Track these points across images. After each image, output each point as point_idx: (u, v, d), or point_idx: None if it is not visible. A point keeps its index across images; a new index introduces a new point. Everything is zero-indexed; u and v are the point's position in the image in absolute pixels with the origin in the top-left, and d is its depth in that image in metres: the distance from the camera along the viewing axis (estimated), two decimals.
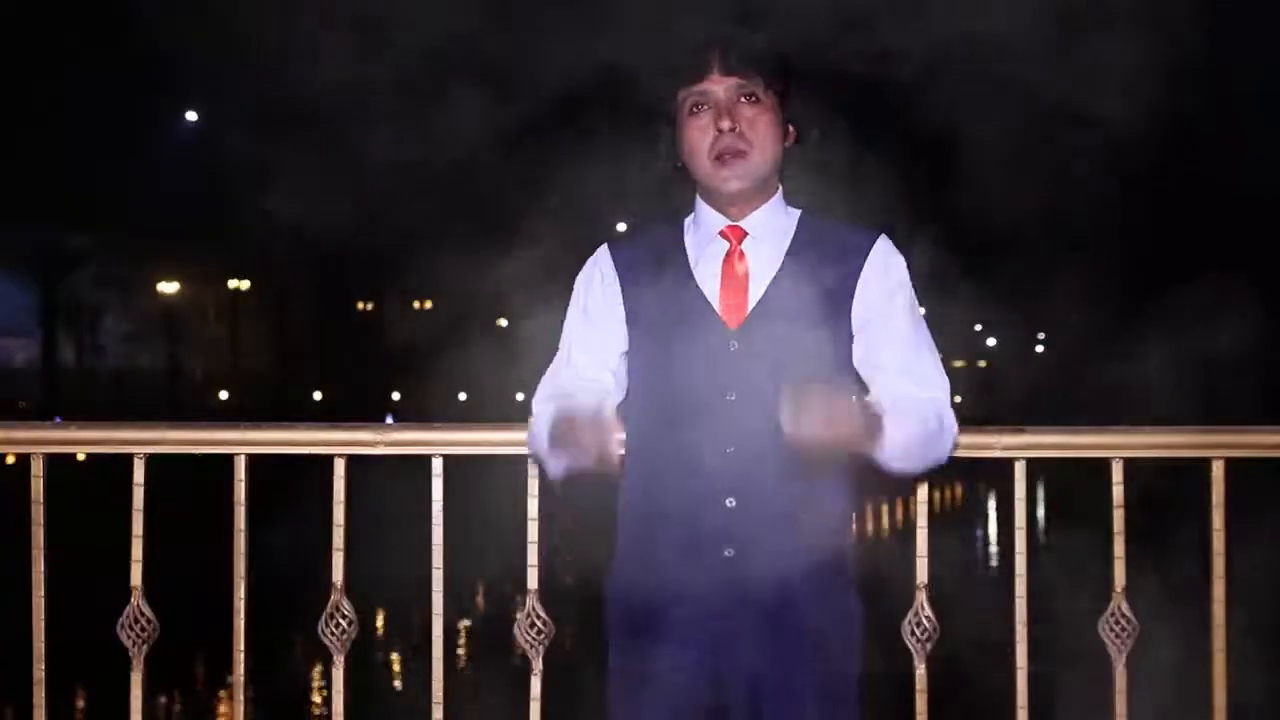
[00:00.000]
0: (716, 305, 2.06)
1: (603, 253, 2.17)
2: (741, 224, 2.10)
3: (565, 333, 2.21)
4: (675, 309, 2.07)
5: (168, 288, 36.35)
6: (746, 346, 2.03)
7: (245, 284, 38.05)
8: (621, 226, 2.33)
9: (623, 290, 2.13)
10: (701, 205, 2.13)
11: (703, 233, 2.12)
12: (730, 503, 2.01)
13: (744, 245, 2.09)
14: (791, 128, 2.12)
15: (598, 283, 2.15)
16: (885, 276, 2.08)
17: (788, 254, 2.08)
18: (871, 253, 2.08)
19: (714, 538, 2.01)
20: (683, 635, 2.03)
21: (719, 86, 2.05)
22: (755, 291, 2.06)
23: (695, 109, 2.06)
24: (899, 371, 2.06)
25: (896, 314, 2.07)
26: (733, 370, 2.03)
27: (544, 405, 2.15)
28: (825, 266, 2.06)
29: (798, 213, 2.14)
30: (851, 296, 2.06)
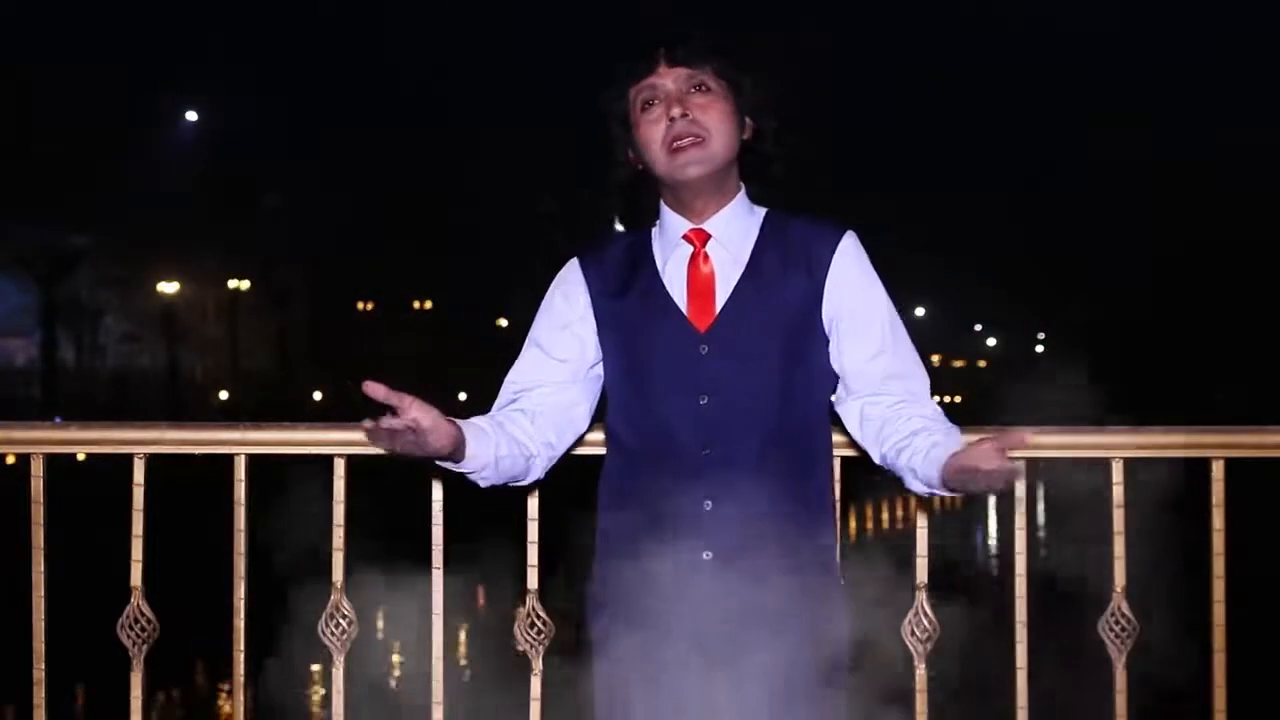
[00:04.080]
0: (685, 309, 2.04)
1: (572, 267, 2.15)
2: (704, 226, 2.08)
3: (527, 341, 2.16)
4: (646, 315, 2.06)
5: (168, 288, 36.34)
6: (717, 349, 2.02)
7: (245, 284, 38.06)
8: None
9: (592, 301, 2.10)
10: (666, 211, 2.11)
11: (667, 238, 2.10)
12: (708, 505, 1.99)
13: (708, 248, 2.07)
14: (750, 121, 2.09)
15: (560, 302, 2.13)
16: (856, 272, 2.05)
17: (753, 254, 2.06)
18: (838, 249, 2.05)
19: (693, 541, 1.99)
20: (665, 639, 2.00)
21: (667, 78, 2.03)
22: (722, 294, 2.04)
23: (647, 105, 2.04)
24: (896, 378, 2.04)
25: (873, 311, 2.06)
26: (705, 373, 2.01)
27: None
28: (792, 265, 2.04)
29: (763, 211, 2.11)
30: (821, 293, 2.04)
